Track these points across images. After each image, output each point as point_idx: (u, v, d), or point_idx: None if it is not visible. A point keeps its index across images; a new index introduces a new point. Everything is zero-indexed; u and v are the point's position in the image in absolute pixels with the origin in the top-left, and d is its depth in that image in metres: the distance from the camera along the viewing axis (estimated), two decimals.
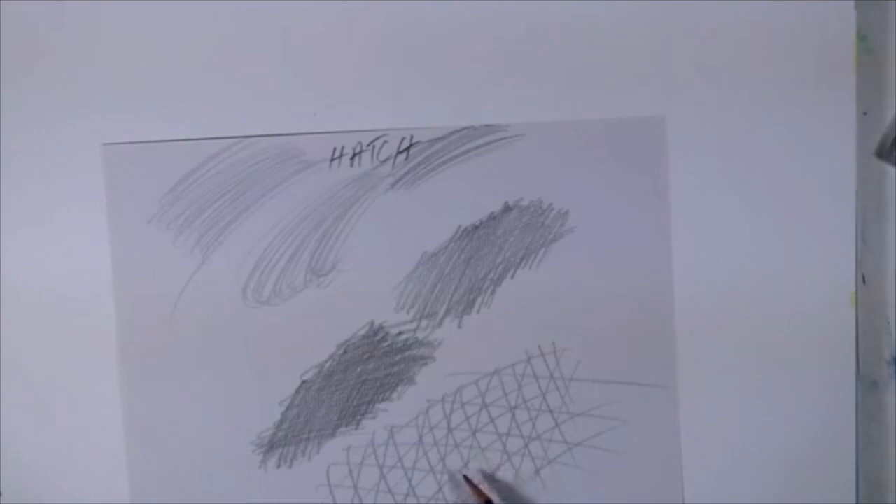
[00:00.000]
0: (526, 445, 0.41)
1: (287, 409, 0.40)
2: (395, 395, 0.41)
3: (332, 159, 0.40)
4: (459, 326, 0.41)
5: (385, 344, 0.41)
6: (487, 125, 0.40)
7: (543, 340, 0.41)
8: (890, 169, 0.42)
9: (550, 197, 0.40)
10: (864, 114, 0.41)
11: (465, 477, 0.37)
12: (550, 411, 0.41)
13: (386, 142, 0.40)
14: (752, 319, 0.41)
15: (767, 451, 0.41)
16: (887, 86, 0.42)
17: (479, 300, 0.41)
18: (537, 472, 0.41)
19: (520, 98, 0.40)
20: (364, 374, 0.41)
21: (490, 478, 0.38)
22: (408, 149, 0.40)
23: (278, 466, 0.41)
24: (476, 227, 0.40)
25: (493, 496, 0.38)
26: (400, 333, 0.40)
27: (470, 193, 0.40)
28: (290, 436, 0.40)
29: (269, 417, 0.40)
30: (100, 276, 0.40)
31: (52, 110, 0.39)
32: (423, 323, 0.40)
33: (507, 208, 0.40)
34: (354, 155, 0.40)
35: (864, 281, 0.42)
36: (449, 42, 0.39)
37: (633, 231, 0.40)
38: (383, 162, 0.40)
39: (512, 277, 0.41)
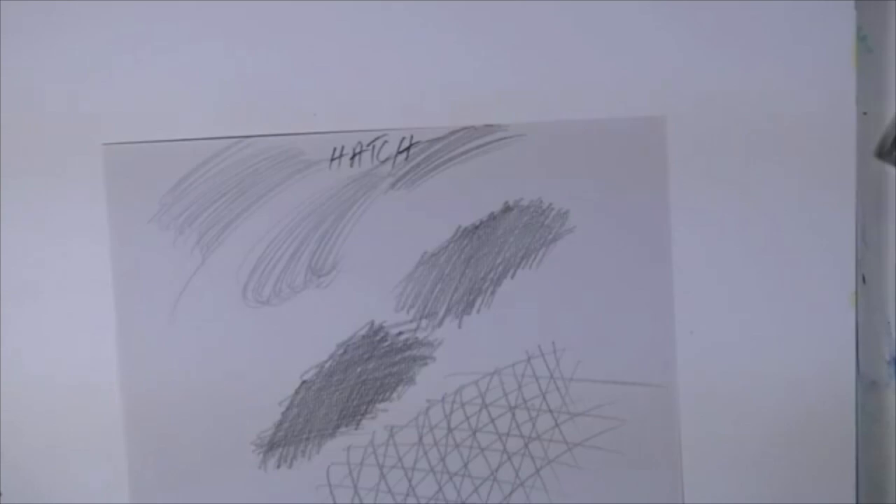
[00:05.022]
0: (526, 445, 0.41)
1: (287, 409, 0.40)
2: (395, 395, 0.41)
3: (332, 159, 0.40)
4: (459, 326, 0.41)
5: (385, 344, 0.41)
6: (487, 125, 0.40)
7: (543, 340, 0.41)
8: (890, 169, 0.42)
9: (550, 197, 0.40)
10: (864, 114, 0.41)
11: None
12: (550, 411, 0.41)
13: (386, 142, 0.40)
14: (752, 319, 0.41)
15: (767, 451, 0.41)
16: (887, 86, 0.42)
17: (479, 300, 0.41)
18: (537, 472, 0.41)
19: (520, 98, 0.40)
20: (364, 374, 0.41)
21: None
22: (408, 149, 0.40)
23: (278, 466, 0.41)
24: (476, 227, 0.40)
25: None
26: (400, 333, 0.40)
27: (470, 193, 0.40)
28: (290, 436, 0.40)
29: (269, 417, 0.40)
30: (99, 276, 0.40)
31: (52, 110, 0.39)
32: (423, 323, 0.40)
33: (507, 208, 0.40)
34: (354, 155, 0.40)
35: (864, 281, 0.42)
36: (449, 42, 0.39)
37: (633, 231, 0.40)
38: (383, 162, 0.40)
39: (512, 277, 0.41)
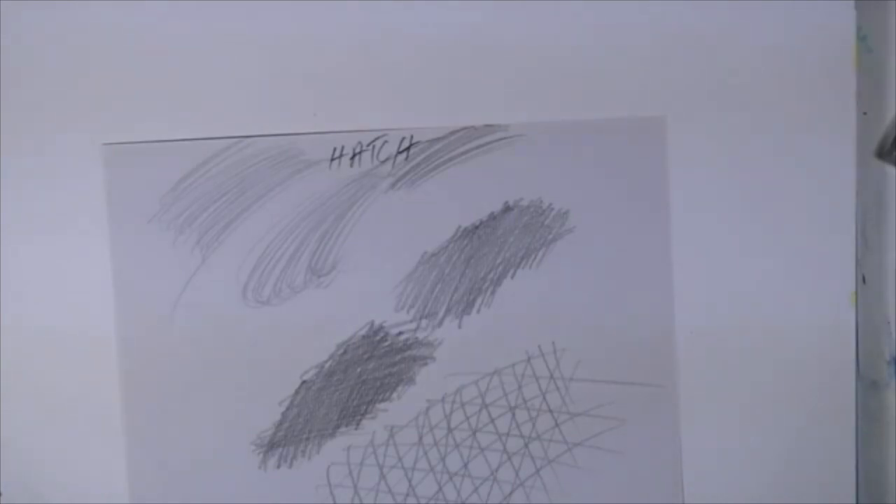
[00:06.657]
0: (526, 445, 0.41)
1: (287, 409, 0.40)
2: (395, 395, 0.41)
3: (332, 159, 0.40)
4: (459, 326, 0.41)
5: (385, 344, 0.41)
6: (487, 125, 0.40)
7: (543, 340, 0.41)
8: (890, 169, 0.42)
9: (550, 197, 0.40)
10: (864, 114, 0.41)
11: None
12: (550, 411, 0.41)
13: (386, 142, 0.40)
14: (751, 319, 0.41)
15: (767, 451, 0.41)
16: (887, 86, 0.42)
17: (479, 300, 0.41)
18: (537, 472, 0.41)
19: (520, 98, 0.40)
20: (364, 374, 0.41)
21: None
22: (408, 149, 0.40)
23: (278, 466, 0.41)
24: (476, 227, 0.40)
25: None
26: (400, 333, 0.40)
27: (470, 193, 0.40)
28: (290, 436, 0.40)
29: (269, 417, 0.40)
30: (100, 276, 0.40)
31: (52, 110, 0.39)
32: (423, 323, 0.41)
33: (507, 208, 0.40)
34: (354, 155, 0.40)
35: (864, 281, 0.42)
36: (449, 42, 0.39)
37: (633, 231, 0.40)
38: (383, 162, 0.40)
39: (512, 277, 0.41)
